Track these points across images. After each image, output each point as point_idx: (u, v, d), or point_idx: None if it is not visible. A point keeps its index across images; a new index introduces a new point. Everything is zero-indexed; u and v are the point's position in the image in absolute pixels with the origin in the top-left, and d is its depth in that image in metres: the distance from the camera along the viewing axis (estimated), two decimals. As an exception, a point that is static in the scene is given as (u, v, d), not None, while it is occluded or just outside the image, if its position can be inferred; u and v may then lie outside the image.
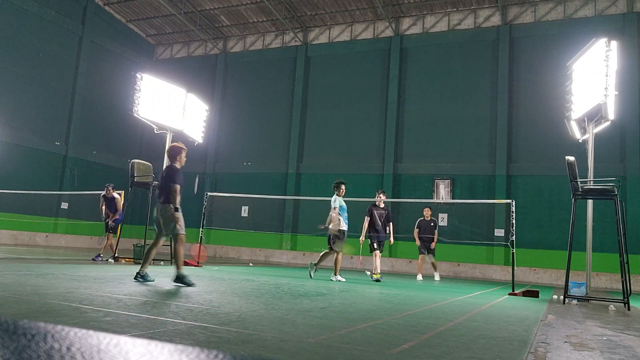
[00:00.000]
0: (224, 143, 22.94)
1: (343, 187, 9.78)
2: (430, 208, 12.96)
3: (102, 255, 11.35)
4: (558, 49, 16.99)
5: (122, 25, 23.83)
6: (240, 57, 23.61)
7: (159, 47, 25.84)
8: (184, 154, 6.86)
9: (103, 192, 11.67)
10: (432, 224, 12.63)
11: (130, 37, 24.26)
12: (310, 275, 9.74)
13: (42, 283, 5.28)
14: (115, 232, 11.54)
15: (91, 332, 0.65)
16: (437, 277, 12.71)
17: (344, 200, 9.82)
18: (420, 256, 12.58)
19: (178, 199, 6.57)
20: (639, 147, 16.08)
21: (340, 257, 9.64)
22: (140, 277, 6.36)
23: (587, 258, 8.79)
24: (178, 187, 6.56)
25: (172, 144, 7.05)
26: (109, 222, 11.43)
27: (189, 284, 6.13)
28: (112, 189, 11.57)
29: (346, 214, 9.76)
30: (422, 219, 12.74)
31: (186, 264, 11.14)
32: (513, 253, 9.36)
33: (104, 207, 11.55)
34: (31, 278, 5.73)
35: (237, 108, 23.08)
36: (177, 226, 6.50)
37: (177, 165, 6.77)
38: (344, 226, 9.66)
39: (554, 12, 18.21)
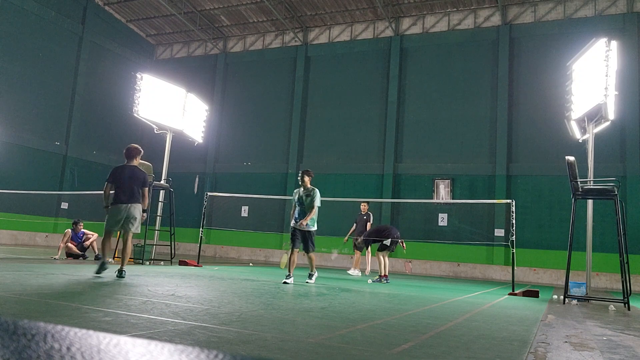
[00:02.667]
0: (224, 143, 22.94)
1: (301, 177, 8.42)
2: (367, 204, 12.62)
3: (97, 253, 11.21)
4: (558, 49, 16.98)
5: (122, 25, 23.83)
6: (240, 57, 23.61)
7: (159, 47, 25.84)
8: None
9: (70, 228, 11.26)
10: (364, 217, 12.41)
11: (130, 37, 24.26)
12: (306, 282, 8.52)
13: (42, 283, 5.28)
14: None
15: (91, 332, 0.65)
16: (352, 272, 12.28)
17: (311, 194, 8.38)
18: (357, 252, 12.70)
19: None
20: (639, 147, 16.09)
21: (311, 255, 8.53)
22: (120, 273, 6.71)
23: (587, 258, 8.79)
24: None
25: (134, 145, 7.54)
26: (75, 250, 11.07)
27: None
28: (81, 225, 11.34)
29: (301, 208, 8.32)
30: (359, 213, 12.69)
31: (187, 264, 11.15)
32: (513, 253, 9.36)
33: (63, 244, 10.92)
34: (31, 278, 5.73)
35: (237, 108, 23.08)
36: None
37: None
38: (292, 222, 8.44)
39: (554, 12, 18.21)
